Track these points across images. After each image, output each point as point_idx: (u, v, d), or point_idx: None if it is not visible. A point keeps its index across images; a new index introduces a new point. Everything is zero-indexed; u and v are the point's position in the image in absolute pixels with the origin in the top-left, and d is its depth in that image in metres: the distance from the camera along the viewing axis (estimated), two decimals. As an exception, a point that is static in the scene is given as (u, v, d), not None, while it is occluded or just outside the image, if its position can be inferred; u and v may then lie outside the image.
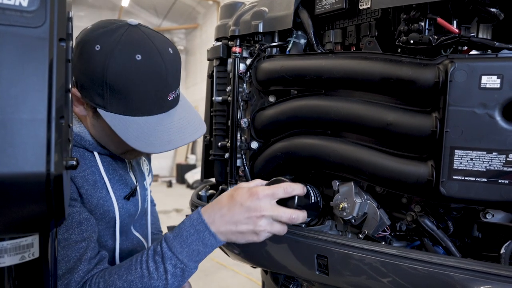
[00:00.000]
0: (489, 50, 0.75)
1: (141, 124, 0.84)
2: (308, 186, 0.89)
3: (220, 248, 1.15)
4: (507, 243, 0.75)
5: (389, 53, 0.83)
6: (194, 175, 10.36)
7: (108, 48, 0.79)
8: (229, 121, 1.12)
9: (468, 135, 0.70)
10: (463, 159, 0.71)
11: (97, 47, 0.80)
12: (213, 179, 1.30)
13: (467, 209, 0.83)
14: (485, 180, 0.70)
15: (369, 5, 0.89)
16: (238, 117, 1.10)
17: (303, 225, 0.99)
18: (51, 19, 0.44)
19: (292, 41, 1.04)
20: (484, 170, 0.70)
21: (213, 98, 1.23)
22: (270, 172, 1.04)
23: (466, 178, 0.71)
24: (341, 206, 0.91)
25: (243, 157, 1.10)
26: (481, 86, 0.69)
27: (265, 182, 0.88)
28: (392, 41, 0.85)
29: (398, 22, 0.84)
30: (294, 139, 0.98)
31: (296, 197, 0.84)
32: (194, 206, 1.19)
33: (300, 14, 1.02)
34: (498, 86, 0.68)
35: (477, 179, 0.70)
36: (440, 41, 0.76)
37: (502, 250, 0.75)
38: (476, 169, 0.70)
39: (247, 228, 0.80)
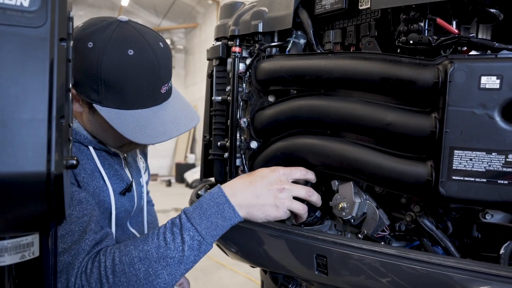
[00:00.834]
0: (488, 51, 0.75)
1: (136, 117, 0.86)
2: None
3: (219, 247, 1.16)
4: (507, 243, 0.75)
5: (388, 53, 0.83)
6: (193, 175, 10.36)
7: (101, 45, 0.82)
8: (229, 121, 1.12)
9: (467, 136, 0.70)
10: (462, 160, 0.71)
11: (90, 44, 0.82)
12: (212, 179, 1.30)
13: (466, 210, 0.83)
14: (485, 180, 0.70)
15: (368, 5, 0.89)
16: (238, 117, 1.10)
17: (302, 226, 1.00)
18: (52, 19, 0.44)
19: (291, 41, 1.04)
20: (484, 170, 0.70)
21: (212, 98, 1.23)
22: (269, 172, 1.04)
23: (465, 179, 0.71)
24: (340, 206, 0.91)
25: (243, 156, 1.11)
26: (481, 86, 0.69)
27: None
28: (392, 42, 0.86)
29: (398, 23, 0.84)
30: (293, 139, 0.98)
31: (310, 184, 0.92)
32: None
33: (299, 14, 1.02)
34: (498, 86, 0.68)
35: (477, 179, 0.70)
36: (440, 42, 0.76)
37: (502, 251, 0.75)
38: (475, 169, 0.70)
39: (268, 200, 0.83)
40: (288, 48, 1.05)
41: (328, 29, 1.02)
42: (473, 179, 0.71)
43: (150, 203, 1.38)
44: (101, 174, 0.95)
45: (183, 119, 0.94)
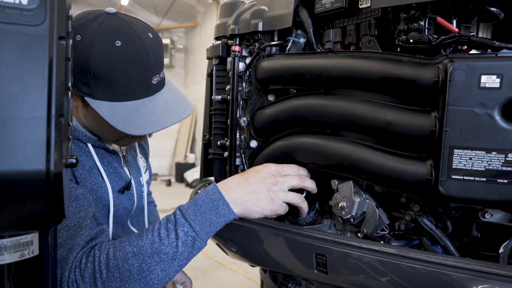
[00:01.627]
0: (489, 50, 0.75)
1: (127, 109, 0.86)
2: None
3: (219, 246, 1.16)
4: (506, 242, 0.75)
5: (388, 52, 0.83)
6: (193, 174, 10.35)
7: (88, 37, 0.82)
8: (229, 120, 1.12)
9: (467, 135, 0.70)
10: (462, 159, 0.71)
11: (78, 37, 0.82)
12: (212, 178, 1.30)
13: (466, 209, 0.83)
14: (484, 179, 0.70)
15: (368, 4, 0.89)
16: (238, 116, 1.10)
17: (304, 224, 1.00)
18: (51, 17, 0.44)
19: (291, 40, 1.04)
20: (483, 169, 0.70)
21: (212, 97, 1.23)
22: (269, 171, 1.04)
23: (465, 178, 0.71)
24: (340, 205, 0.91)
25: (242, 156, 1.11)
26: (481, 85, 0.69)
27: None
28: (392, 40, 0.85)
29: (398, 21, 0.84)
30: (293, 138, 0.98)
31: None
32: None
33: (299, 13, 1.02)
34: (498, 85, 0.68)
35: (476, 178, 0.70)
36: (440, 41, 0.76)
37: (501, 250, 0.75)
38: (475, 168, 0.70)
39: (263, 194, 0.84)
40: (288, 47, 1.05)
41: (328, 28, 1.02)
42: (472, 178, 0.71)
43: (152, 203, 1.38)
44: (99, 171, 0.95)
45: (176, 109, 0.93)
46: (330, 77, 0.89)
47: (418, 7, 0.78)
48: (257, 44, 1.07)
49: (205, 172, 1.35)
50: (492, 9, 0.73)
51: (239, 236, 1.03)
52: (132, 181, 1.07)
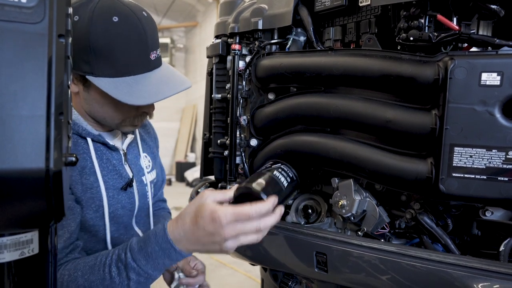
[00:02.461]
0: (489, 47, 0.75)
1: (129, 83, 0.88)
2: (277, 170, 0.85)
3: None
4: (506, 240, 0.75)
5: (388, 50, 0.83)
6: (193, 173, 10.35)
7: (86, 16, 0.85)
8: (229, 119, 1.12)
9: (467, 132, 0.70)
10: (462, 156, 0.71)
11: (76, 18, 0.85)
12: (212, 177, 1.30)
13: (466, 207, 0.83)
14: (485, 177, 0.70)
15: (368, 2, 0.89)
16: (238, 115, 1.10)
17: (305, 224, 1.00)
18: (50, 15, 0.43)
19: (291, 38, 1.04)
20: (484, 167, 0.70)
21: (212, 96, 1.23)
22: (269, 169, 1.04)
23: (465, 176, 0.71)
24: (340, 203, 0.91)
25: (243, 154, 1.10)
26: (481, 83, 0.69)
27: (231, 193, 0.81)
28: (392, 38, 0.85)
29: (398, 19, 0.83)
30: (293, 137, 0.98)
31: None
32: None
33: (299, 11, 1.02)
34: (498, 83, 0.68)
35: (477, 176, 0.70)
36: (440, 38, 0.75)
37: (501, 248, 0.75)
38: (475, 166, 0.70)
39: (213, 249, 0.79)
40: (288, 46, 1.05)
41: (328, 26, 1.02)
42: (473, 176, 0.70)
43: (165, 209, 1.34)
44: (94, 169, 0.95)
45: (176, 82, 0.95)
46: (330, 75, 0.89)
47: (418, 5, 0.77)
48: (257, 43, 1.07)
49: (205, 171, 1.35)
50: (493, 6, 0.73)
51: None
52: (134, 180, 1.07)
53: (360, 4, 0.91)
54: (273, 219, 0.77)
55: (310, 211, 1.07)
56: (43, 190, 0.43)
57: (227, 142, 1.14)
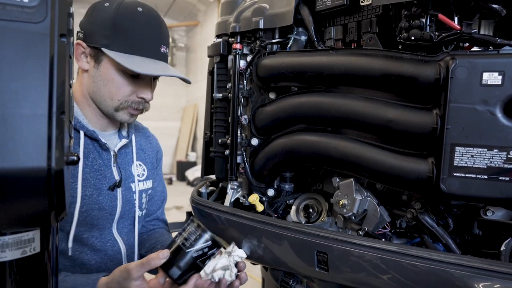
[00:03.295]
0: (490, 47, 0.75)
1: (139, 60, 0.97)
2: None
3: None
4: (507, 240, 0.75)
5: (390, 49, 0.83)
6: (194, 173, 10.35)
7: (115, 3, 0.98)
8: (230, 118, 1.12)
9: (469, 132, 0.70)
10: (463, 156, 0.71)
11: (106, 4, 0.98)
12: (213, 176, 1.30)
13: (467, 206, 0.83)
14: (486, 177, 0.70)
15: (370, 2, 0.88)
16: (239, 114, 1.10)
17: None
18: (52, 14, 0.43)
19: (292, 37, 1.04)
20: (485, 167, 0.70)
21: (213, 95, 1.23)
22: (270, 168, 1.04)
23: (466, 175, 0.71)
24: (341, 203, 0.91)
25: (244, 154, 1.10)
26: (483, 82, 0.69)
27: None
28: (393, 38, 0.85)
29: (399, 19, 0.83)
30: (294, 136, 0.98)
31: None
32: (194, 203, 1.19)
33: (300, 11, 1.02)
34: (500, 82, 0.67)
35: (478, 176, 0.70)
36: (442, 38, 0.75)
37: (502, 247, 0.75)
38: (476, 166, 0.70)
39: None
40: (289, 45, 1.05)
41: (329, 26, 1.02)
42: (474, 175, 0.70)
43: (159, 226, 1.29)
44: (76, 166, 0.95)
45: (180, 73, 1.06)
46: (331, 74, 0.89)
47: (420, 4, 0.77)
48: (258, 42, 1.07)
49: (206, 170, 1.35)
50: (494, 6, 0.73)
51: (240, 235, 1.03)
52: (120, 184, 1.05)
53: (361, 4, 0.91)
54: None
55: (311, 210, 1.07)
56: (45, 189, 0.43)
57: (228, 141, 1.14)
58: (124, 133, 1.14)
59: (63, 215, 0.48)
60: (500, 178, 0.69)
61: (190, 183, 10.40)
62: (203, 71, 11.12)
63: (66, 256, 0.99)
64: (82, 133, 0.99)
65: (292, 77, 0.97)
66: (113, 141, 1.09)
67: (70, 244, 0.97)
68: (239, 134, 1.11)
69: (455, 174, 0.72)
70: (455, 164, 0.71)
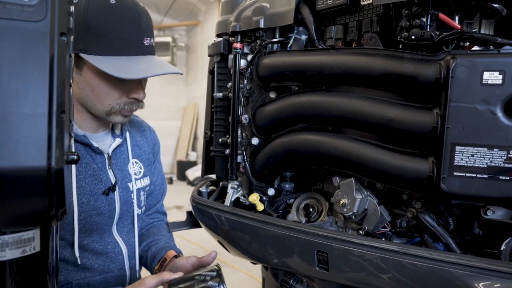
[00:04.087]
0: (491, 46, 0.74)
1: (121, 61, 0.90)
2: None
3: (220, 244, 1.16)
4: (508, 239, 0.75)
5: (390, 49, 0.83)
6: (194, 172, 10.35)
7: None
8: (230, 117, 1.12)
9: (469, 131, 0.70)
10: (464, 156, 0.71)
11: (75, 0, 0.89)
12: (213, 176, 1.30)
13: (467, 206, 0.83)
14: (486, 176, 0.70)
15: (370, 1, 0.88)
16: (239, 113, 1.10)
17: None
18: (52, 13, 0.43)
19: (293, 37, 1.04)
20: (485, 166, 0.70)
21: (214, 94, 1.23)
22: (270, 168, 1.04)
23: (467, 175, 0.71)
24: (341, 202, 0.91)
25: (244, 153, 1.10)
26: (483, 82, 0.68)
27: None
28: (394, 37, 0.85)
29: (400, 18, 0.83)
30: (294, 135, 0.98)
31: None
32: (195, 202, 1.19)
33: (301, 10, 1.02)
34: (500, 82, 0.67)
35: (478, 175, 0.70)
36: (442, 37, 0.75)
37: (503, 247, 0.75)
38: (477, 165, 0.70)
39: None
40: (289, 44, 1.04)
41: (329, 25, 1.02)
42: (474, 175, 0.70)
43: (159, 219, 1.29)
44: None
45: (168, 67, 0.98)
46: (331, 74, 0.89)
47: (420, 4, 0.77)
48: (258, 41, 1.07)
49: (206, 170, 1.35)
50: (495, 5, 0.73)
51: (241, 234, 1.03)
52: (116, 186, 1.03)
53: (362, 3, 0.91)
54: None
55: (311, 209, 1.07)
56: (45, 188, 0.43)
57: (229, 140, 1.14)
58: (118, 131, 1.09)
59: (63, 214, 0.48)
60: (501, 177, 0.69)
61: (191, 183, 10.40)
62: (203, 70, 11.12)
63: (69, 262, 0.98)
64: (72, 139, 0.96)
65: (293, 77, 0.96)
66: (107, 142, 1.06)
67: (77, 253, 0.96)
68: (239, 134, 1.11)
69: (455, 173, 0.71)
70: (455, 164, 0.71)
